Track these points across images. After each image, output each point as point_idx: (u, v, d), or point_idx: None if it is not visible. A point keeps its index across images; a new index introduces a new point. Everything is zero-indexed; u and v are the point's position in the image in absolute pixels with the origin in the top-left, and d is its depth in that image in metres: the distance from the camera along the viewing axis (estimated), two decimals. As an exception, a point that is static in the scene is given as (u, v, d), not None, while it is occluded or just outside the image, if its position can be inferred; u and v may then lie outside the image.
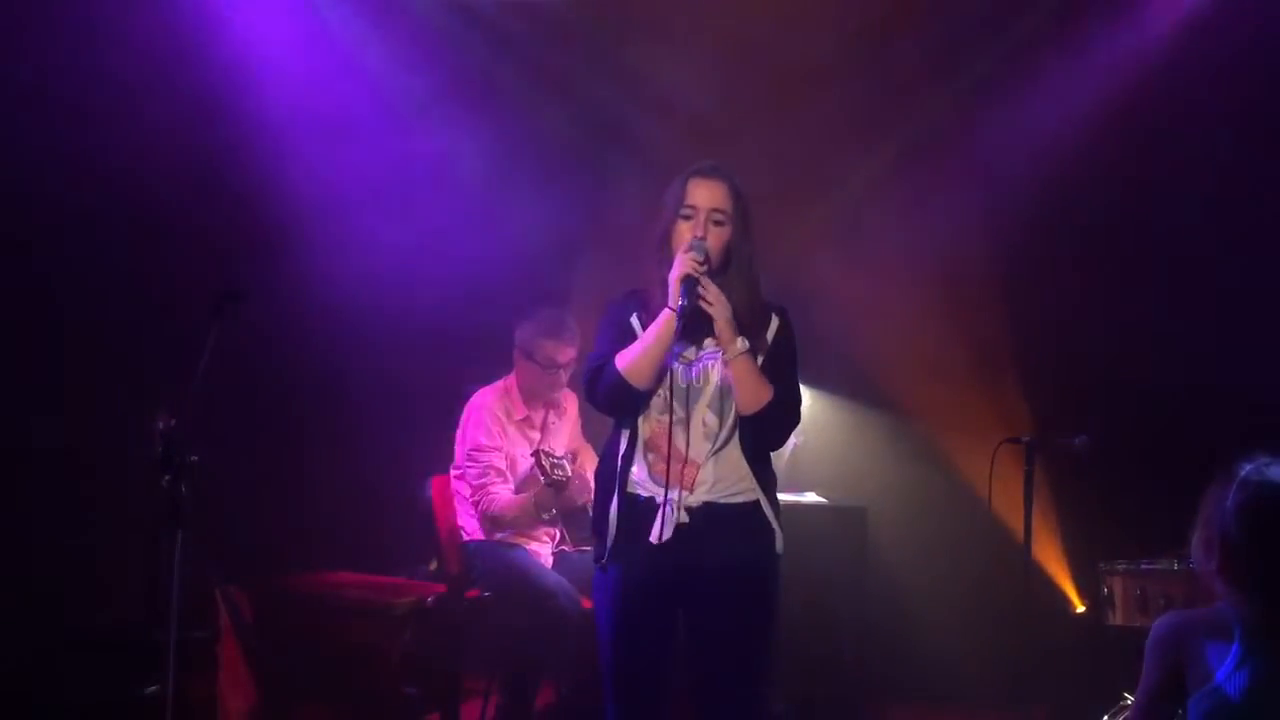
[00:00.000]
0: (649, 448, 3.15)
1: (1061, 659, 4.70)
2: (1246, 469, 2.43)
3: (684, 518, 3.09)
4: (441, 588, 4.78)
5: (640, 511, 3.12)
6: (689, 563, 3.09)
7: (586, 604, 4.17)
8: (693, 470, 3.11)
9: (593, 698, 3.29)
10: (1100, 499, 5.00)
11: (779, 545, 3.16)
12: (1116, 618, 4.31)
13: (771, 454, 3.26)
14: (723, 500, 3.12)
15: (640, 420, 3.16)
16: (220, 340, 3.32)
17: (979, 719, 5.21)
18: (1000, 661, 4.75)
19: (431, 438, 4.90)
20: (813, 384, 5.31)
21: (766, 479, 3.18)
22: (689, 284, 3.02)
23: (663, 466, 3.09)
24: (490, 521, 4.59)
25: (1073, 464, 4.55)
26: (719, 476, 3.12)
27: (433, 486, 4.82)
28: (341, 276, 5.25)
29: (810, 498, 5.03)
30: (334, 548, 5.20)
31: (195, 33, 5.10)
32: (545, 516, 4.56)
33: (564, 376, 4.65)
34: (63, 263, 4.82)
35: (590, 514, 3.34)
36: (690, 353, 3.15)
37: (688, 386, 3.13)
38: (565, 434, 4.76)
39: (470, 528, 4.67)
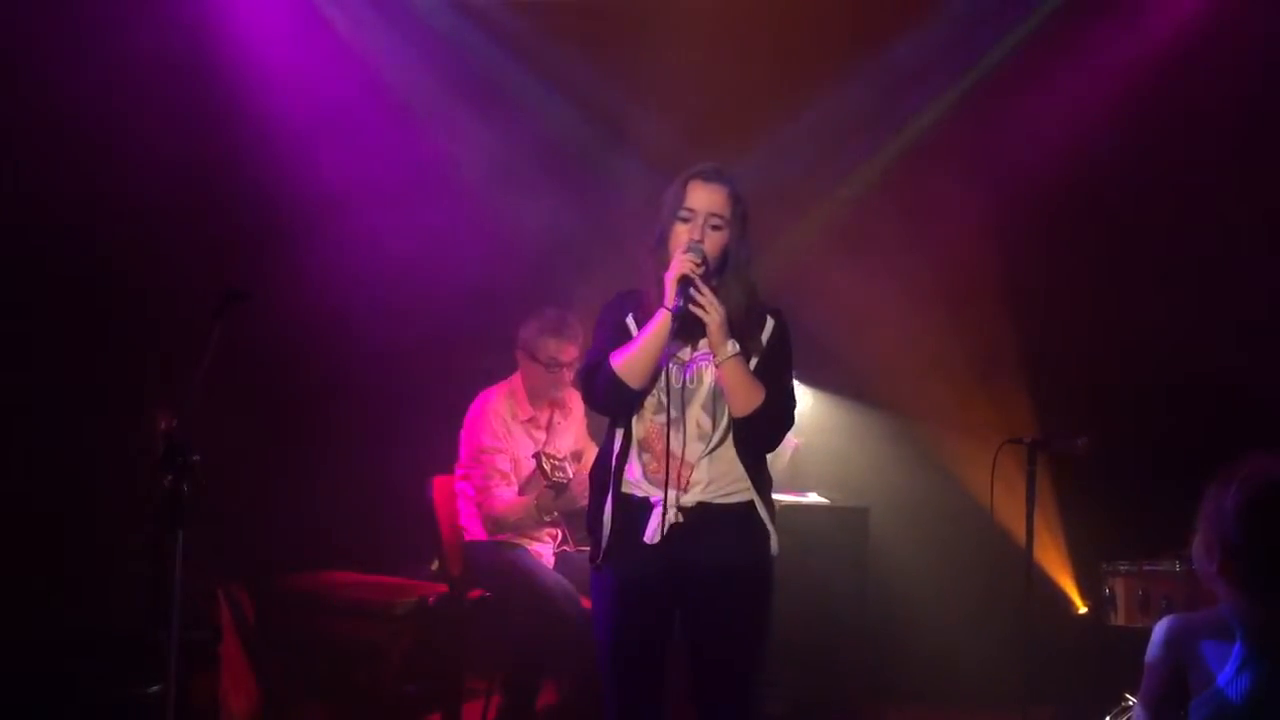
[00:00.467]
0: (643, 448, 3.16)
1: (1063, 660, 4.69)
2: (1246, 469, 2.42)
3: (678, 517, 3.10)
4: (443, 588, 4.79)
5: (634, 511, 3.13)
6: (683, 562, 3.09)
7: (587, 604, 4.16)
8: (687, 470, 3.12)
9: (594, 698, 3.29)
10: (1102, 500, 5.00)
11: (774, 546, 3.16)
12: (1119, 618, 4.31)
13: (770, 455, 3.27)
14: (717, 500, 3.13)
15: (635, 420, 3.17)
16: (223, 340, 3.32)
17: (980, 720, 5.22)
18: (1002, 662, 4.74)
19: (434, 438, 4.90)
20: (815, 385, 5.31)
21: (762, 480, 3.18)
22: (684, 285, 3.03)
23: (657, 466, 3.11)
24: (492, 523, 4.59)
25: (1075, 465, 4.55)
26: (713, 477, 3.13)
27: (435, 487, 4.82)
28: (344, 276, 5.26)
29: (812, 498, 5.02)
30: (336, 548, 5.21)
31: (197, 33, 5.10)
32: (547, 519, 4.57)
33: (568, 375, 4.64)
34: (63, 262, 4.82)
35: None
36: (684, 353, 3.16)
37: (682, 387, 3.14)
38: (571, 433, 4.76)
39: (472, 528, 4.67)
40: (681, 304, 3.01)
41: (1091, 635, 4.67)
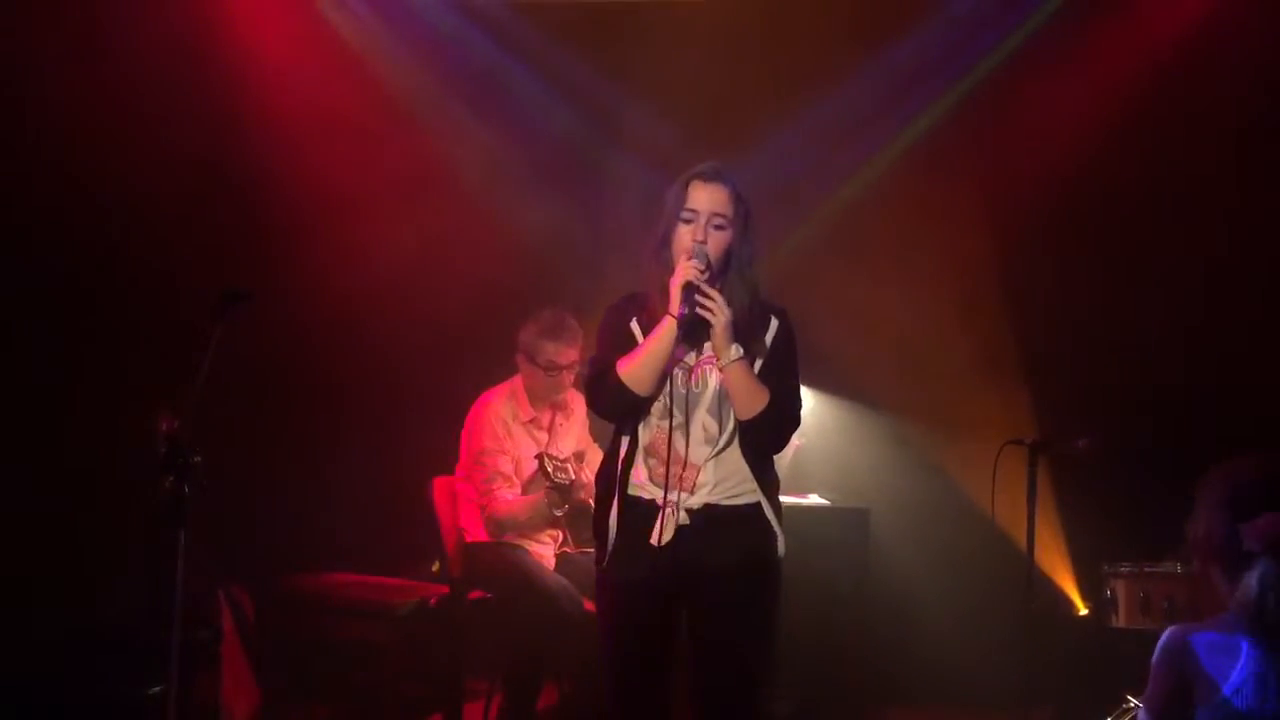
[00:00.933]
0: (649, 452, 3.16)
1: (1065, 661, 4.69)
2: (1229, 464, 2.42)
3: (684, 519, 3.10)
4: (444, 589, 4.78)
5: (641, 514, 3.12)
6: (689, 564, 3.09)
7: (589, 605, 4.17)
8: (693, 473, 3.11)
9: (595, 698, 3.29)
10: (1103, 501, 4.99)
11: (780, 548, 3.16)
12: (1120, 620, 4.31)
13: (774, 456, 3.26)
14: (723, 502, 3.13)
15: (640, 425, 3.16)
16: (223, 341, 3.32)
17: (982, 721, 5.21)
18: (1003, 663, 4.73)
19: (435, 438, 4.89)
20: (816, 385, 5.31)
21: (768, 481, 3.18)
22: (689, 291, 3.02)
23: (663, 470, 3.10)
24: (495, 525, 4.59)
25: (1076, 466, 4.54)
26: (720, 479, 3.13)
27: (436, 488, 4.82)
28: (344, 277, 5.26)
29: (813, 499, 5.02)
30: (337, 548, 5.21)
31: (200, 36, 5.11)
32: (558, 513, 4.54)
33: (568, 378, 4.63)
34: (64, 262, 4.82)
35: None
36: (689, 358, 3.15)
37: (687, 391, 3.13)
38: (573, 435, 4.76)
39: (473, 529, 4.66)
40: (687, 311, 3.01)
41: (1093, 636, 4.68)
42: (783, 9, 5.42)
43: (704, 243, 3.09)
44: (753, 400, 3.08)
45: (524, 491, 4.60)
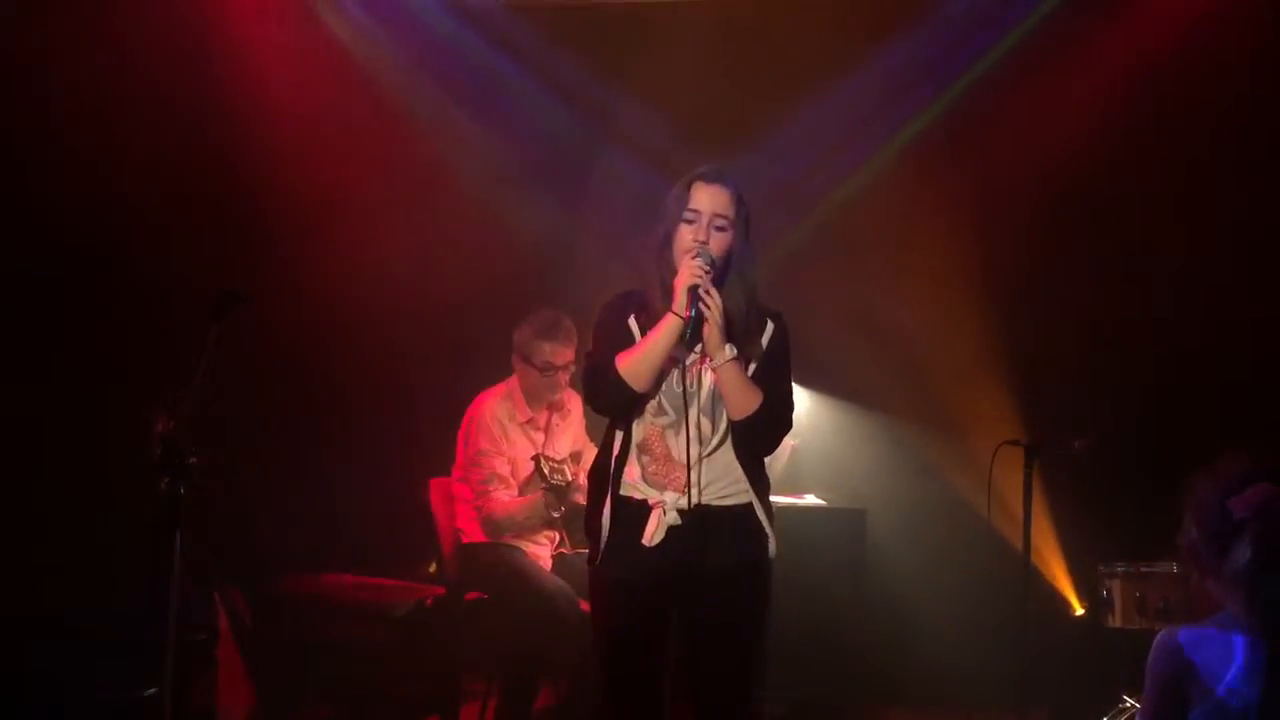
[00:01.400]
0: (642, 450, 3.16)
1: (1061, 661, 4.70)
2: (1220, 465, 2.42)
3: (676, 520, 3.10)
4: (441, 590, 4.78)
5: (633, 513, 3.13)
6: (681, 564, 3.10)
7: (585, 606, 4.17)
8: (686, 473, 3.11)
9: (592, 699, 3.29)
10: (1100, 502, 5.00)
11: (772, 548, 3.17)
12: (1116, 620, 4.32)
13: (768, 457, 3.26)
14: (715, 503, 3.13)
15: (635, 423, 3.17)
16: (219, 341, 3.31)
17: (978, 721, 5.22)
18: (1000, 664, 4.74)
19: (432, 439, 4.90)
20: (812, 386, 5.31)
21: (760, 482, 3.19)
22: (694, 292, 3.03)
23: (656, 469, 3.12)
24: (491, 526, 4.59)
25: (1072, 466, 4.54)
26: (712, 479, 3.13)
27: (433, 489, 4.82)
28: (341, 278, 5.26)
29: (809, 500, 5.02)
30: (333, 549, 5.20)
31: (196, 35, 5.10)
32: (555, 514, 4.55)
33: (564, 378, 4.64)
34: (64, 262, 4.82)
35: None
36: (686, 357, 3.15)
37: (682, 390, 3.13)
38: (569, 435, 4.76)
39: (470, 530, 4.67)
40: (694, 313, 3.02)
41: (1089, 637, 4.69)
42: (779, 10, 5.42)
43: (706, 243, 3.09)
44: (745, 400, 3.09)
45: (521, 492, 4.60)
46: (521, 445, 4.64)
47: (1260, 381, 4.91)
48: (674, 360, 3.12)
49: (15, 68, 4.74)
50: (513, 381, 4.71)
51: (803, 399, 5.04)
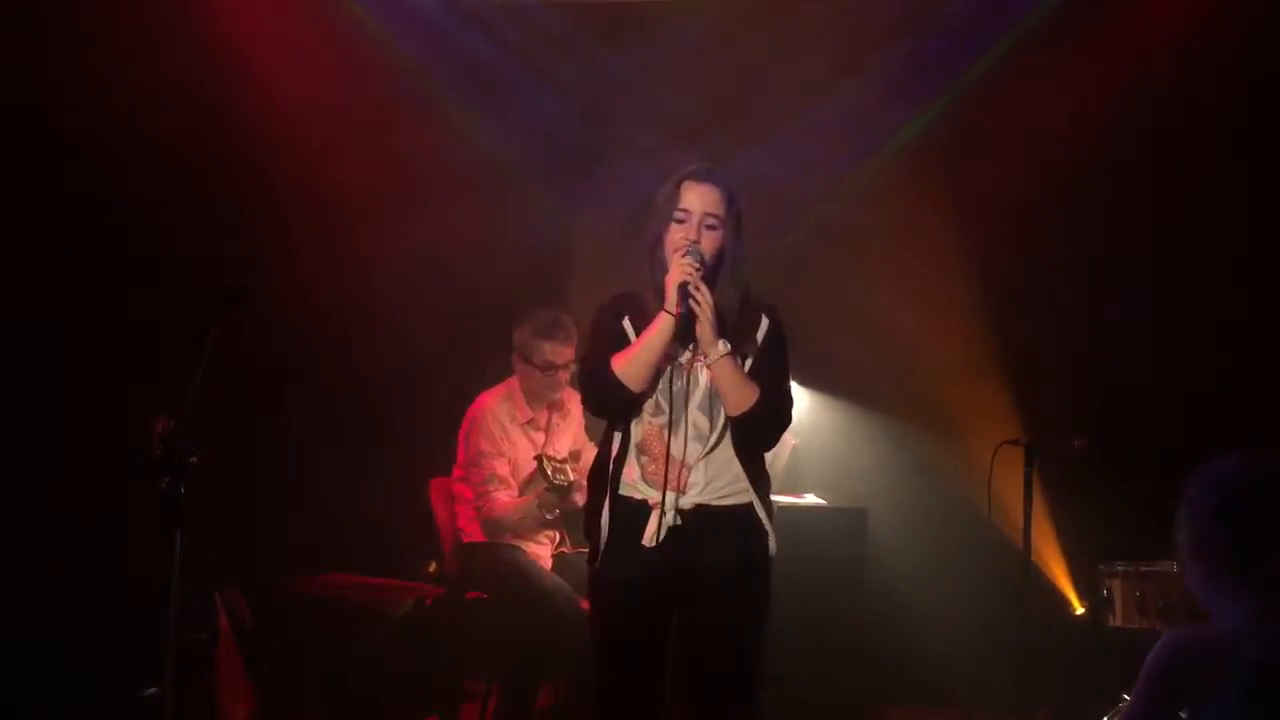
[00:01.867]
0: (641, 450, 3.16)
1: (1061, 661, 4.70)
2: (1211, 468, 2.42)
3: (676, 520, 3.10)
4: (441, 590, 4.78)
5: (632, 513, 3.13)
6: (681, 564, 3.10)
7: (586, 606, 4.16)
8: (685, 472, 3.12)
9: (591, 700, 3.29)
10: (1099, 501, 5.00)
11: (772, 547, 3.16)
12: (1116, 619, 4.32)
13: (769, 455, 3.27)
14: (715, 502, 3.13)
15: (633, 423, 3.17)
16: (220, 340, 3.31)
17: (978, 721, 5.22)
18: (1000, 663, 4.74)
19: (432, 439, 4.89)
20: (813, 386, 5.31)
21: (760, 480, 3.19)
22: (684, 288, 3.03)
23: (655, 468, 3.12)
24: (491, 526, 4.58)
25: (1072, 466, 4.54)
26: (711, 478, 3.13)
27: (433, 489, 4.81)
28: (341, 277, 5.26)
29: (810, 499, 5.02)
30: (333, 549, 5.19)
31: (198, 32, 5.10)
32: (549, 516, 4.55)
33: (564, 377, 4.64)
34: (64, 262, 4.82)
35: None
36: (681, 355, 3.15)
37: (679, 388, 3.14)
38: (569, 434, 4.76)
39: (470, 530, 4.67)
40: (685, 310, 3.02)
41: (1089, 636, 4.68)
42: (779, 10, 5.42)
43: (697, 242, 3.09)
44: (741, 396, 3.09)
45: (521, 493, 4.60)
46: (522, 445, 4.64)
47: (1260, 381, 4.91)
48: (669, 359, 3.13)
49: (15, 66, 4.74)
50: (513, 381, 4.71)
51: (803, 399, 5.03)
